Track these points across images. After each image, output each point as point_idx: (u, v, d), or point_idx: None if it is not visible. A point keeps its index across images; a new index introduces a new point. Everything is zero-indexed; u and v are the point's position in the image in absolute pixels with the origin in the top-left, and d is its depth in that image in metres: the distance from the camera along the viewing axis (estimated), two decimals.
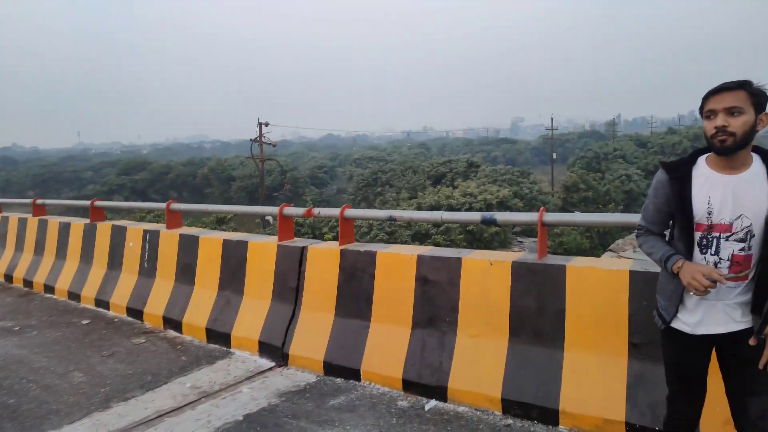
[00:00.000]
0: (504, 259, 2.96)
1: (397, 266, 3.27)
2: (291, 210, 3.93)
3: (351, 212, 3.61)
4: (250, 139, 22.33)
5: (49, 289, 5.76)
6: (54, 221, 6.15)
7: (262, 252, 3.91)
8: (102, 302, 5.02)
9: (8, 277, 6.47)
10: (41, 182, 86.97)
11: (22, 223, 6.65)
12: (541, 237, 2.96)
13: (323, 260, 3.58)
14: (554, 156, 53.67)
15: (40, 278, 5.92)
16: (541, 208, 3.02)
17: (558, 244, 29.64)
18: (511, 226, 29.59)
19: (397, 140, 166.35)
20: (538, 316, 2.79)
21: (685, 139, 61.68)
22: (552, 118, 53.61)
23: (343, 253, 3.49)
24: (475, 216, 3.20)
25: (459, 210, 30.90)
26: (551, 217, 2.92)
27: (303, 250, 3.70)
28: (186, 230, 4.70)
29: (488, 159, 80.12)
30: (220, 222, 19.84)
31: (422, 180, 44.48)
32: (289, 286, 3.70)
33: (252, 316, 3.82)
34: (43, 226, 6.27)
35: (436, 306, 3.09)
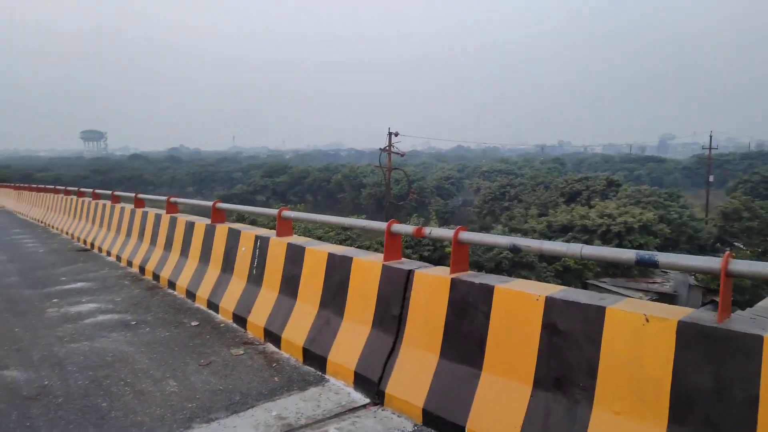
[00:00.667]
0: (666, 315, 2.22)
1: (518, 307, 2.66)
2: (400, 227, 3.49)
3: (467, 236, 3.07)
4: (380, 149, 22.60)
5: (171, 285, 5.99)
6: (182, 219, 6.41)
7: (366, 271, 3.52)
8: (213, 305, 5.03)
9: (142, 269, 6.91)
10: (199, 180, 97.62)
11: (158, 219, 7.06)
12: (724, 291, 2.18)
13: (431, 289, 3.09)
14: (711, 178, 47.58)
15: (165, 273, 6.20)
16: (726, 253, 2.21)
17: (711, 279, 26.04)
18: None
19: (529, 154, 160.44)
20: (715, 400, 2.02)
21: None
22: (711, 136, 47.70)
23: (454, 283, 2.97)
24: (628, 255, 2.47)
25: (595, 232, 28.51)
26: (741, 266, 2.13)
27: (409, 275, 3.24)
28: (295, 239, 4.50)
29: (630, 178, 73.72)
30: (345, 228, 20.28)
31: (554, 197, 42.05)
32: (392, 313, 3.26)
33: (350, 341, 3.44)
34: (173, 224, 6.57)
35: (566, 365, 2.43)
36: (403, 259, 3.61)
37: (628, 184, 44.89)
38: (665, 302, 26.26)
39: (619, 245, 27.93)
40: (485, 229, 41.47)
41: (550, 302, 2.55)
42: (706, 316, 2.21)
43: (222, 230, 5.35)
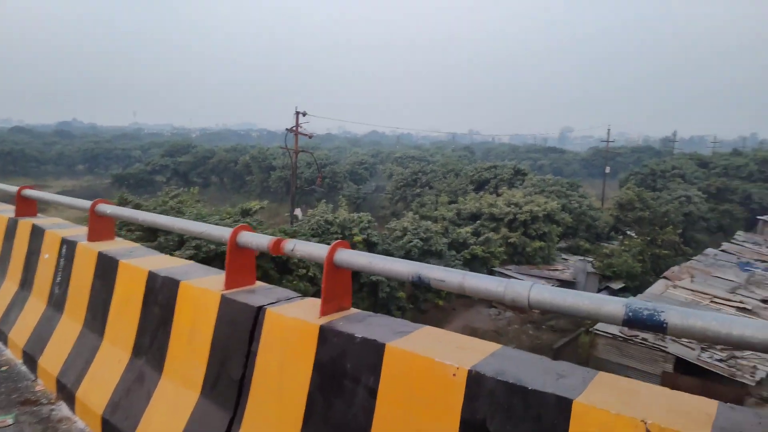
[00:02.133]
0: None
1: (424, 385, 1.58)
2: (249, 237, 2.28)
3: (347, 257, 1.93)
4: (286, 129, 20.99)
5: None
6: None
7: (197, 303, 2.29)
8: (1, 334, 3.55)
9: None
10: (92, 158, 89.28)
11: None
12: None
13: (288, 340, 1.93)
14: (607, 170, 50.57)
15: None
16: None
17: (606, 266, 27.25)
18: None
19: (441, 141, 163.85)
20: None
21: (751, 162, 57.33)
22: (609, 130, 50.57)
23: (324, 333, 1.83)
24: (586, 302, 1.45)
25: (502, 220, 28.81)
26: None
27: (258, 314, 2.06)
28: (112, 245, 3.13)
29: (534, 167, 77.08)
30: (245, 213, 18.59)
31: (464, 184, 42.47)
32: (230, 374, 2.07)
33: (168, 412, 2.21)
34: None
35: None
36: (259, 284, 2.41)
37: (533, 173, 46.40)
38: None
39: (525, 233, 28.47)
40: (397, 215, 41.07)
41: (475, 381, 1.49)
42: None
43: (24, 227, 3.83)
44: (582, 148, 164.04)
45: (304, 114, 20.16)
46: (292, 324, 1.92)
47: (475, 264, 25.84)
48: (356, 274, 15.54)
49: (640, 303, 1.41)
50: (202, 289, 2.28)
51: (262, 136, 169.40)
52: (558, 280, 26.35)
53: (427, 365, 1.58)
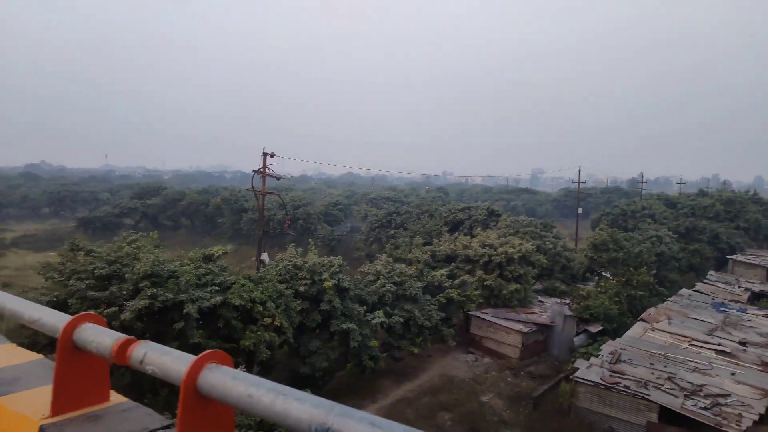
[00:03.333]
0: None
1: None
2: (90, 334, 1.51)
3: (217, 384, 1.19)
4: (253, 170, 20.26)
5: None
6: None
7: None
8: None
9: None
10: (57, 200, 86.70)
11: None
12: None
13: None
14: (579, 210, 50.98)
15: None
16: None
17: (584, 308, 26.75)
18: None
19: (415, 182, 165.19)
20: None
21: (717, 203, 58.69)
22: (579, 171, 51.29)
23: None
24: None
25: (477, 262, 28.25)
26: None
27: None
28: None
29: (507, 208, 77.71)
30: (208, 259, 17.56)
31: (439, 225, 42.07)
32: None
33: None
34: None
35: None
36: (115, 399, 1.63)
37: (507, 213, 46.40)
38: (544, 332, 26.58)
39: (501, 275, 27.92)
40: (371, 257, 40.23)
41: None
42: None
43: None
44: (553, 189, 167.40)
45: (272, 155, 19.50)
46: None
47: (451, 308, 25.06)
48: (326, 323, 14.39)
49: None
50: (17, 416, 1.49)
51: (236, 178, 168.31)
52: (536, 323, 25.69)
53: None
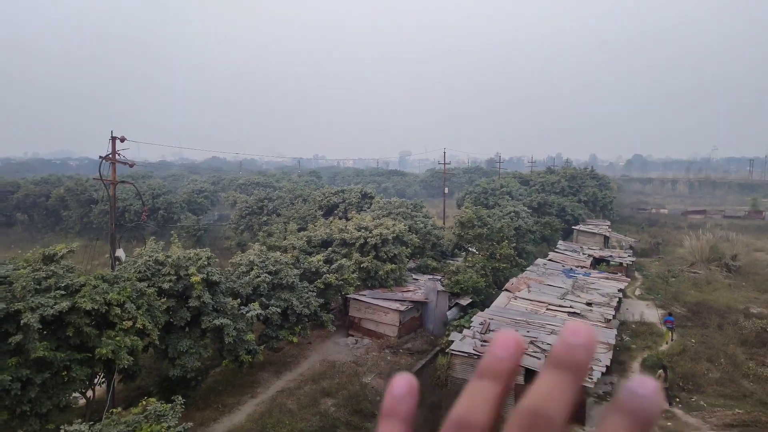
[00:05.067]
0: None
1: None
2: None
3: None
4: (100, 157, 17.90)
5: None
6: None
7: None
8: None
9: None
10: None
11: None
12: None
13: None
14: (446, 190, 53.56)
15: None
16: None
17: (454, 283, 28.13)
18: None
19: (286, 167, 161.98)
20: None
21: (562, 179, 65.33)
22: (444, 152, 53.73)
23: None
24: None
25: (353, 245, 28.27)
26: None
27: None
28: None
29: (379, 190, 79.54)
30: (49, 259, 15.19)
31: (313, 210, 41.50)
32: None
33: None
34: None
35: None
36: None
37: (379, 195, 47.18)
38: (419, 308, 27.53)
39: (376, 257, 28.24)
40: (242, 246, 38.48)
41: None
42: None
43: None
44: (420, 170, 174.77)
45: (123, 139, 17.35)
46: None
47: (329, 292, 24.78)
48: (196, 319, 13.21)
49: None
50: None
51: (83, 166, 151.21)
52: (411, 301, 26.44)
53: None
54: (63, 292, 14.08)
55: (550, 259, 36.20)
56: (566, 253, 39.37)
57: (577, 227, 49.45)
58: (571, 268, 33.63)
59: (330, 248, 28.54)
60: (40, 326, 13.42)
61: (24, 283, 13.51)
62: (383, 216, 34.42)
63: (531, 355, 18.85)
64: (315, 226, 32.37)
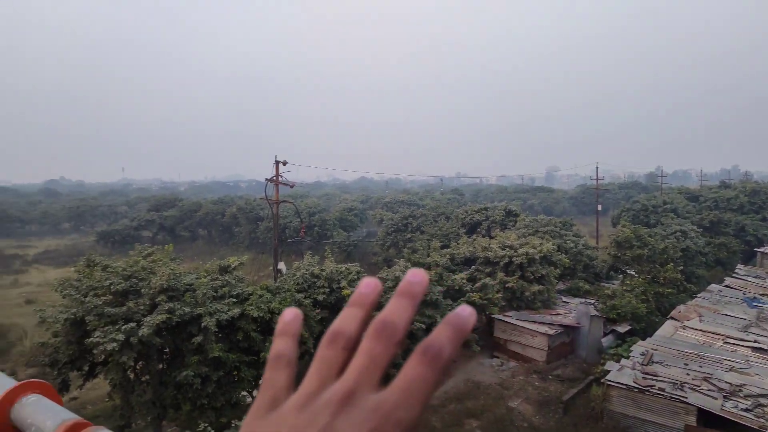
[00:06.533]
0: None
1: None
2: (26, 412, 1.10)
3: None
4: (266, 179, 19.96)
5: None
6: None
7: None
8: None
9: None
10: (77, 216, 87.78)
11: None
12: None
13: None
14: (599, 207, 49.98)
15: None
16: None
17: (610, 308, 25.96)
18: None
19: (429, 185, 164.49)
20: None
21: (741, 194, 57.13)
22: (597, 167, 50.29)
23: None
24: None
25: (497, 263, 27.62)
26: None
27: None
28: None
29: (524, 207, 76.76)
30: (224, 270, 17.24)
31: (456, 228, 41.49)
32: None
33: None
34: None
35: None
36: None
37: (524, 213, 45.64)
38: (569, 333, 25.83)
39: (522, 277, 27.24)
40: (388, 262, 39.80)
41: None
42: None
43: None
44: (569, 187, 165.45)
45: (285, 163, 19.18)
46: None
47: None
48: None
49: None
50: None
51: (251, 187, 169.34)
52: (561, 325, 24.98)
53: None
54: (234, 300, 15.81)
55: (726, 286, 31.71)
56: (748, 279, 34.16)
57: (761, 249, 42.67)
58: (755, 297, 29.07)
59: (473, 266, 28.22)
60: (216, 329, 15.20)
61: (204, 291, 15.45)
62: (529, 234, 33.20)
63: (705, 394, 16.60)
64: (458, 243, 32.30)
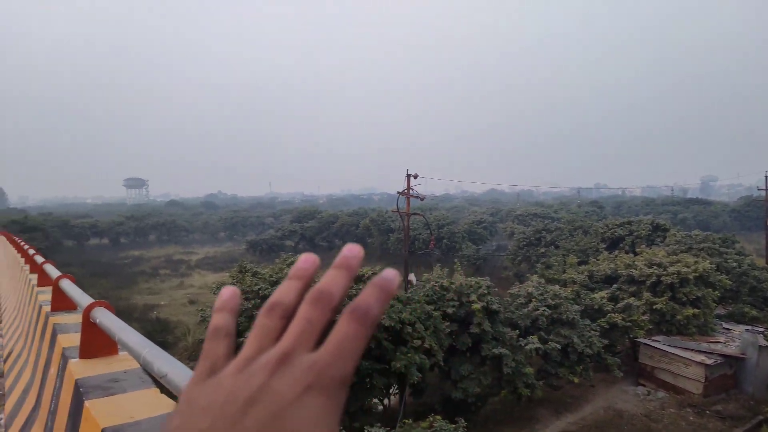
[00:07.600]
0: None
1: None
2: None
3: None
4: (398, 192, 20.51)
5: None
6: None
7: None
8: None
9: None
10: (231, 226, 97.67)
11: None
12: None
13: None
14: None
15: None
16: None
17: None
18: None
19: (564, 197, 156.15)
20: None
21: None
22: (766, 176, 43.82)
23: None
24: None
25: (643, 283, 25.29)
26: None
27: None
28: (100, 368, 2.27)
29: (675, 222, 69.39)
30: (359, 280, 18.01)
31: (595, 243, 38.86)
32: None
33: None
34: None
35: None
36: None
37: (675, 228, 41.38)
38: (732, 365, 22.76)
39: (673, 298, 24.63)
40: (520, 277, 38.47)
41: None
42: None
43: (49, 330, 3.18)
44: (730, 199, 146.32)
45: (416, 176, 19.56)
46: None
47: (614, 334, 22.68)
48: (476, 346, 13.77)
49: None
50: None
51: (383, 200, 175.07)
52: (722, 355, 22.11)
53: None
54: None
55: None
56: None
57: None
58: None
59: (615, 285, 26.20)
60: None
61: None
62: (681, 251, 30.01)
63: None
64: (597, 260, 30.22)
